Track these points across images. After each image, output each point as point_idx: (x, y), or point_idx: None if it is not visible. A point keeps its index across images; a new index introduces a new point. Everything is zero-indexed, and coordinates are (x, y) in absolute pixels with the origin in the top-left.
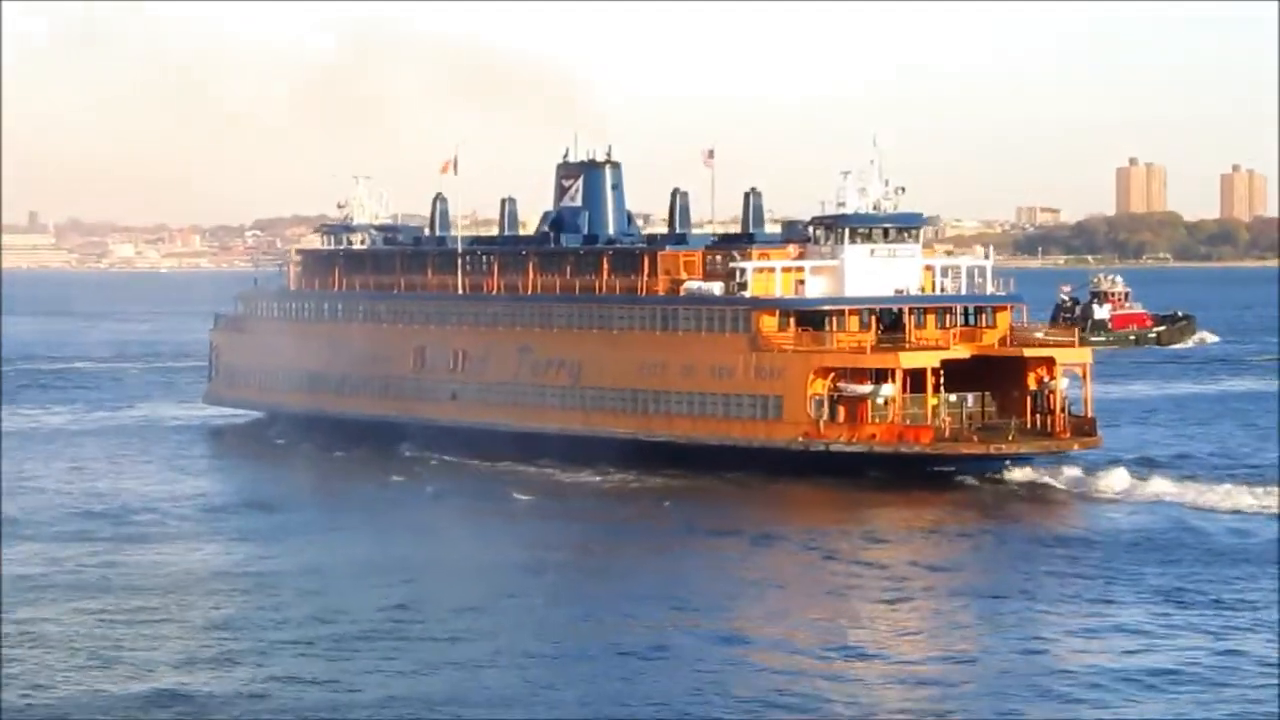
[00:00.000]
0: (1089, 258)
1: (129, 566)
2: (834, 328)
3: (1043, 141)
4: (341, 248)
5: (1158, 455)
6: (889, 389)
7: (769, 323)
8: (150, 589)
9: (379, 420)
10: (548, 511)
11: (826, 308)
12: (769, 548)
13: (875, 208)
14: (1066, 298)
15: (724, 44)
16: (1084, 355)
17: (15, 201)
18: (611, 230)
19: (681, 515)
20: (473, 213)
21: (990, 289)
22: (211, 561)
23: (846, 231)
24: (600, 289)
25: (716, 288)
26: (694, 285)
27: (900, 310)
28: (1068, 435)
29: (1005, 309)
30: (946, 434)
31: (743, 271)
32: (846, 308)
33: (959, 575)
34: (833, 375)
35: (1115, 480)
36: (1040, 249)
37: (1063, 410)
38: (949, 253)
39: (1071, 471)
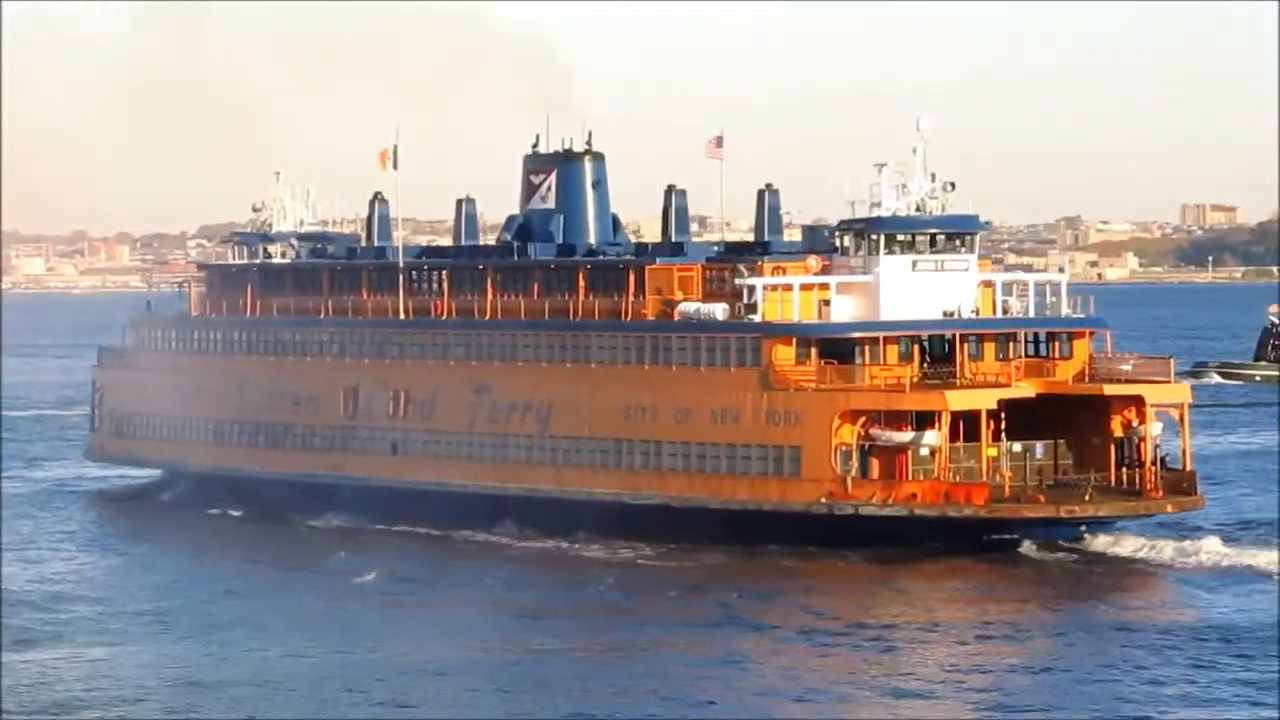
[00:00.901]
0: (1274, 269)
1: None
2: (866, 360)
3: (1214, 122)
4: (255, 262)
5: None
6: (933, 437)
7: (784, 354)
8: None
9: (302, 480)
10: (534, 600)
11: (856, 335)
12: (820, 644)
13: (918, 209)
14: (1277, 320)
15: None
16: (1180, 393)
17: None
18: (592, 239)
19: (703, 603)
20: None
21: (1065, 309)
22: (112, 670)
23: (882, 239)
24: (575, 313)
25: (719, 310)
26: (690, 308)
27: (951, 338)
28: (1160, 494)
29: (1083, 335)
30: (1006, 493)
31: (751, 290)
32: (882, 335)
33: (1073, 685)
34: (863, 420)
35: (1211, 551)
36: (1211, 258)
37: (1154, 463)
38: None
39: (1167, 541)
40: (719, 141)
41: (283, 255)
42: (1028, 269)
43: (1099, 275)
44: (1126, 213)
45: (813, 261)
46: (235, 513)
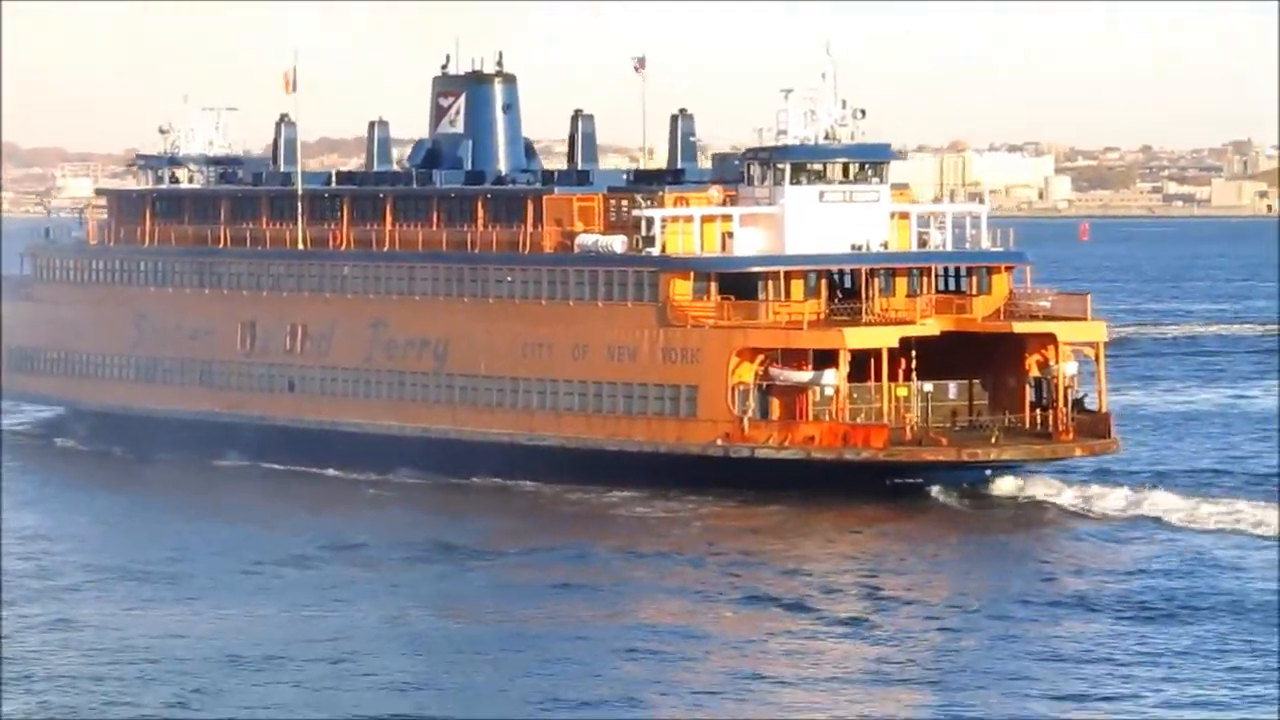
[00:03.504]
0: None
1: None
2: (770, 295)
3: None
4: (154, 188)
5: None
6: (832, 376)
7: (682, 288)
8: None
9: (200, 419)
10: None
11: (757, 269)
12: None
13: (827, 137)
14: None
15: None
16: (1095, 331)
17: None
18: (503, 165)
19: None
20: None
21: (986, 243)
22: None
23: (788, 168)
24: (474, 244)
25: (618, 243)
26: (589, 240)
27: (860, 273)
28: (1070, 437)
29: (1000, 271)
30: (907, 435)
31: (650, 222)
32: (783, 269)
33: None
34: (762, 359)
35: (1115, 499)
36: None
37: (1066, 404)
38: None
39: (1075, 488)
40: (643, 62)
41: (190, 180)
42: (1189, 199)
43: (1269, 207)
44: None
45: (715, 192)
46: (133, 455)
